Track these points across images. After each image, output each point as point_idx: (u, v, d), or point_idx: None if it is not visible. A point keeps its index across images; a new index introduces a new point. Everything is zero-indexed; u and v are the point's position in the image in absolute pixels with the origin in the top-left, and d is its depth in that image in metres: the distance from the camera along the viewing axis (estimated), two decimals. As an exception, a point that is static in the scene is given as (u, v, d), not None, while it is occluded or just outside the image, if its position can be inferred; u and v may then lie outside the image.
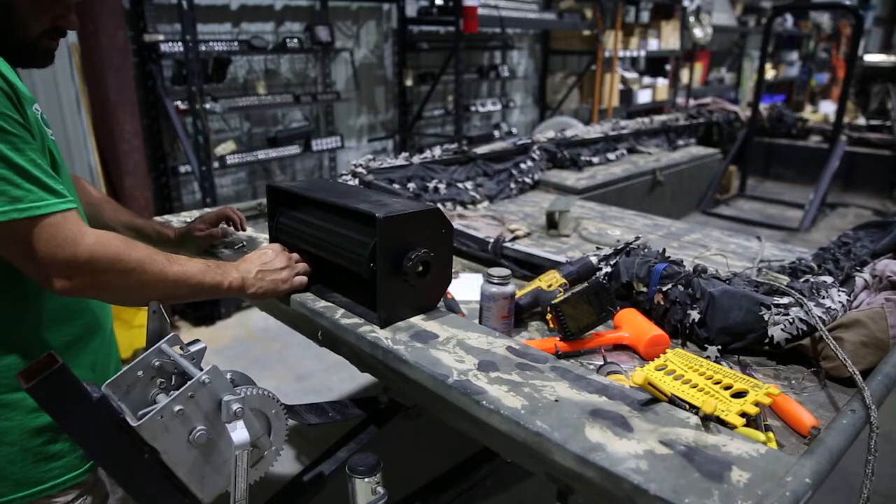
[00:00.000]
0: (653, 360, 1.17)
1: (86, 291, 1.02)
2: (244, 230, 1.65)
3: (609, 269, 1.46)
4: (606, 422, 0.90)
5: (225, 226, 1.62)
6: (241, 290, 1.21)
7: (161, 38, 3.40)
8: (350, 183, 2.21)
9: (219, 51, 3.68)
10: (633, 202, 2.88)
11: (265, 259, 1.28)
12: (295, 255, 1.34)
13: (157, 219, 1.72)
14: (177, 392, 0.93)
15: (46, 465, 1.06)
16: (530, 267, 1.69)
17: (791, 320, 1.20)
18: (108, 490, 1.20)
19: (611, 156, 3.34)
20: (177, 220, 1.83)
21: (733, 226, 3.45)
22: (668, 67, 7.09)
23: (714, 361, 1.18)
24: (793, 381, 1.18)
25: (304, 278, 1.33)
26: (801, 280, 1.38)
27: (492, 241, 1.78)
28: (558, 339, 1.29)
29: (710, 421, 0.90)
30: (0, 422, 1.03)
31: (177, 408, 0.92)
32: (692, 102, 5.63)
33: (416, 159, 2.52)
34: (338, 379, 3.10)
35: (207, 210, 1.73)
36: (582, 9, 5.73)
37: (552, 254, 1.71)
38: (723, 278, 1.38)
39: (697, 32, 7.18)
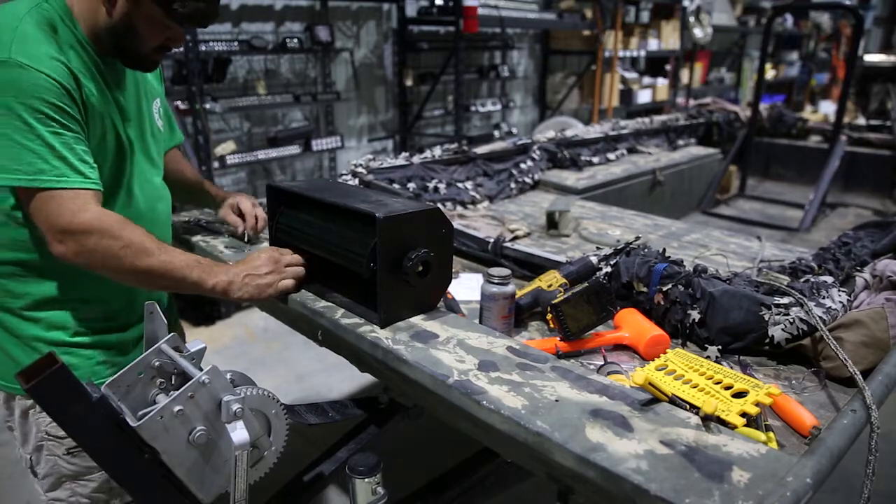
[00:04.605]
0: (653, 360, 1.17)
1: (75, 257, 1.12)
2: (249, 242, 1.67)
3: (609, 269, 1.46)
4: (607, 422, 0.90)
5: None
6: (226, 294, 1.23)
7: (161, 38, 3.39)
8: (350, 183, 2.20)
9: (219, 51, 3.68)
10: (633, 202, 2.87)
11: (255, 263, 1.29)
12: (286, 259, 1.33)
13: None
14: (177, 392, 0.93)
15: None
16: (530, 267, 1.68)
17: (791, 320, 1.19)
18: None
19: (611, 156, 3.34)
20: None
21: (733, 226, 3.44)
22: (668, 67, 7.09)
23: (714, 361, 1.18)
24: (793, 381, 1.18)
25: (290, 282, 1.31)
26: (802, 280, 1.38)
27: (492, 241, 1.78)
28: (558, 339, 1.29)
29: (710, 421, 0.90)
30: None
31: (177, 408, 0.92)
32: (692, 102, 5.62)
33: (416, 159, 2.52)
34: (338, 379, 3.10)
35: (242, 199, 1.70)
36: (582, 9, 5.74)
37: (552, 254, 1.71)
38: (723, 278, 1.37)
39: (697, 32, 7.18)
